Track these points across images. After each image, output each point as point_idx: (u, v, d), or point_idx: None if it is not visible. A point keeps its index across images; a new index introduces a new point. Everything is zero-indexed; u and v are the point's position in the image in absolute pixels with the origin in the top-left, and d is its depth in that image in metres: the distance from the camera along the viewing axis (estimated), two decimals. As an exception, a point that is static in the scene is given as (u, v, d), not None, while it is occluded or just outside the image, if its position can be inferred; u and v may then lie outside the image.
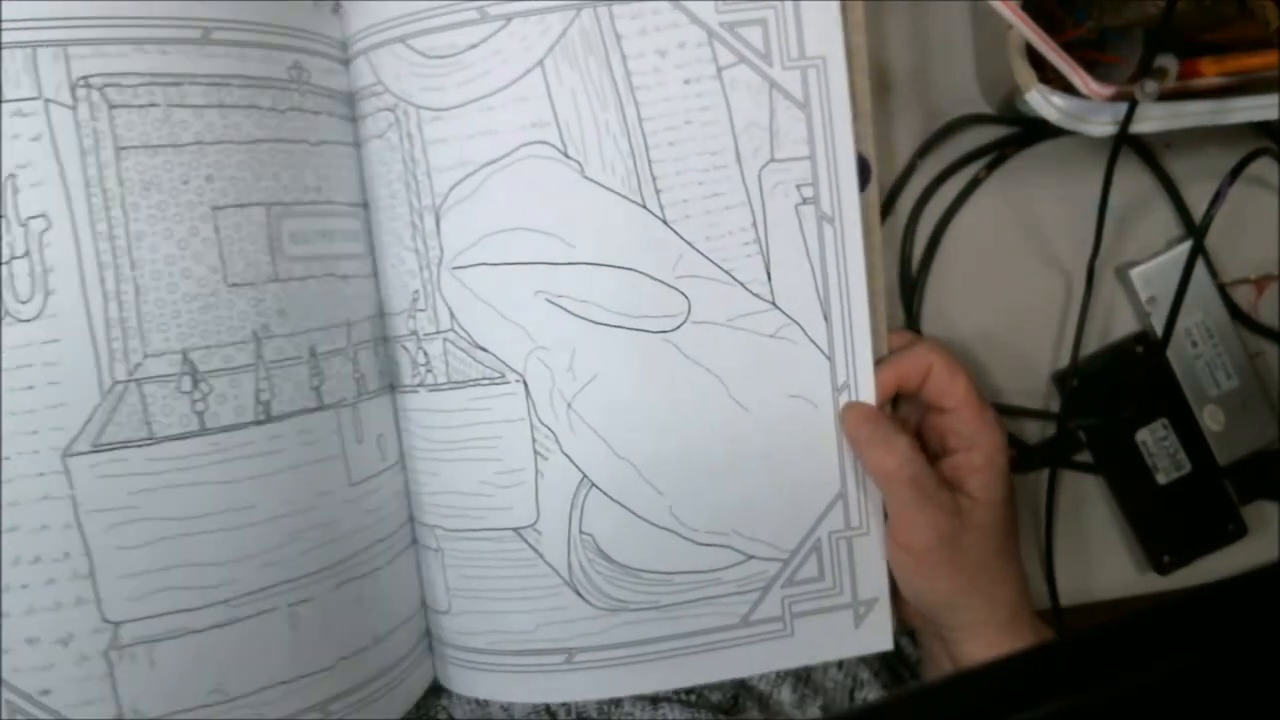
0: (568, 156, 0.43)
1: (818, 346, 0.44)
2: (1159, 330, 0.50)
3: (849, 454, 0.45)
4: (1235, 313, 0.52)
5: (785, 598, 0.45)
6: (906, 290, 0.52)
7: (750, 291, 0.44)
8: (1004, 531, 0.44)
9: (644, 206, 0.43)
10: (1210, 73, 0.45)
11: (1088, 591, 0.53)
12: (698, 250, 0.44)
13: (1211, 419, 0.52)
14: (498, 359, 0.44)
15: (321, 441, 0.43)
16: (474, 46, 0.43)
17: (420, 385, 0.45)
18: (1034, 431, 0.53)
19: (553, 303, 0.44)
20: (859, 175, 0.44)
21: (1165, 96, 0.44)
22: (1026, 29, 0.43)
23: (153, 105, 0.39)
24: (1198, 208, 0.51)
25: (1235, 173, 0.48)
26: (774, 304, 0.44)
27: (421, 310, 0.45)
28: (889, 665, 0.52)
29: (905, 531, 0.44)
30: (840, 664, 0.51)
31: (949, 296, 0.52)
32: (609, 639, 0.45)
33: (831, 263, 0.44)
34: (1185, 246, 0.50)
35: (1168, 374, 0.51)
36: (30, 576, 0.37)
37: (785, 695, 0.50)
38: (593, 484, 0.44)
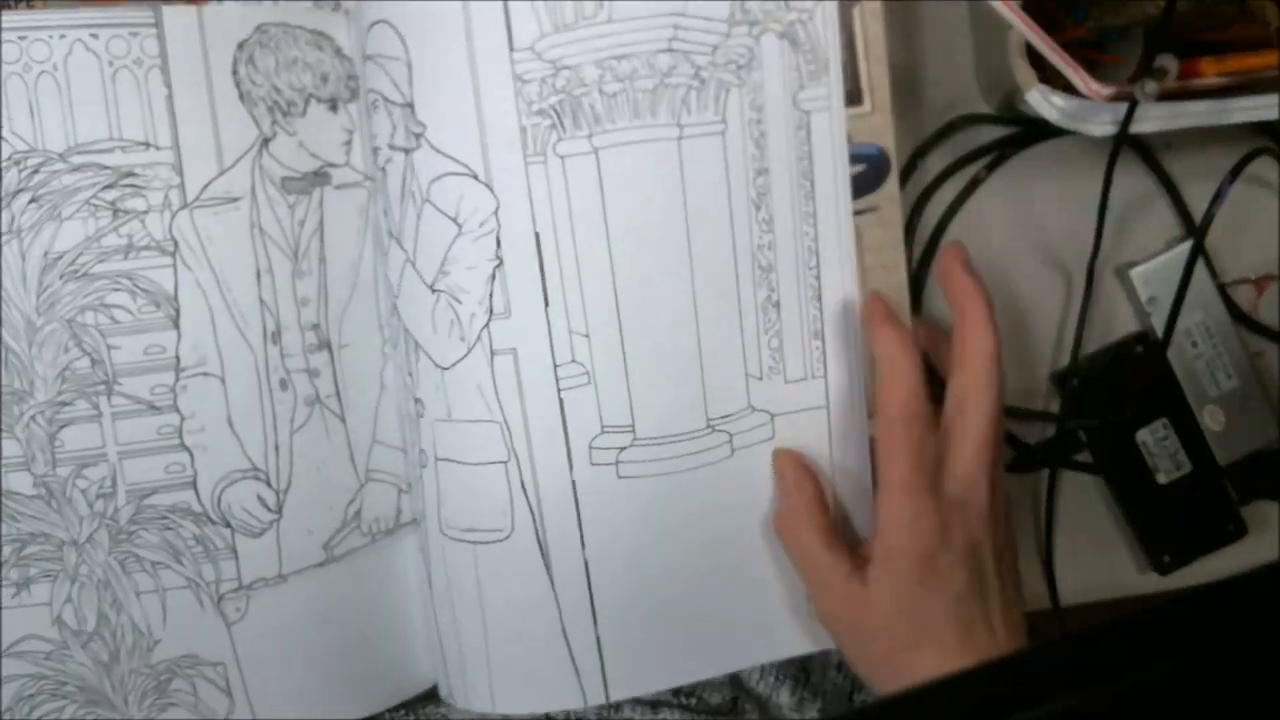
0: None
1: None
2: (1159, 330, 0.50)
3: None
4: (1235, 313, 0.52)
5: None
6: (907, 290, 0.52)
7: None
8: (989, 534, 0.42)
9: None
10: (1210, 73, 0.45)
11: (1088, 591, 0.53)
12: None
13: (1211, 419, 0.52)
14: None
15: None
16: None
17: None
18: (1034, 432, 0.53)
19: None
20: (878, 168, 0.44)
21: (1165, 96, 0.44)
22: (1026, 29, 0.43)
23: None
24: (1198, 208, 0.51)
25: (1235, 173, 0.48)
26: None
27: None
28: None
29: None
30: (839, 666, 0.51)
31: (949, 297, 0.52)
32: None
33: None
34: (1185, 246, 0.50)
35: (1168, 374, 0.51)
36: None
37: (784, 698, 0.50)
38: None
